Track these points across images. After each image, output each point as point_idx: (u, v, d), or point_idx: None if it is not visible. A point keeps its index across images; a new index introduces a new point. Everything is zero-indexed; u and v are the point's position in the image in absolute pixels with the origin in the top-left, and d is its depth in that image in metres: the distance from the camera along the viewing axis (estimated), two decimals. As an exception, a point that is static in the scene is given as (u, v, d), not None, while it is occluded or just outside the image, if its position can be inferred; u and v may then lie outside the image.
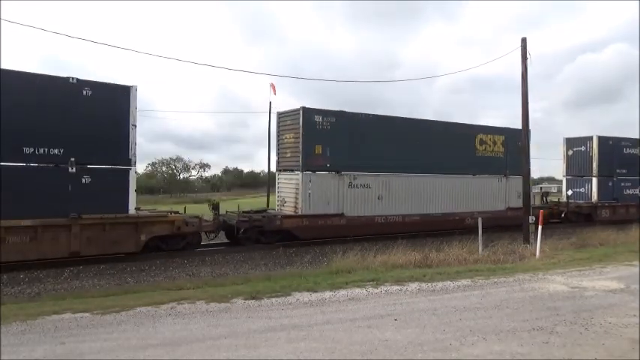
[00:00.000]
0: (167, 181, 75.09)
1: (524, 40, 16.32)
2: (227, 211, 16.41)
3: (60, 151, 11.93)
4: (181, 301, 7.56)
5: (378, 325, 6.18)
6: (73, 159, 12.03)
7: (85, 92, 12.20)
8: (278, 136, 17.44)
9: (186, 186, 76.53)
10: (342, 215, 16.53)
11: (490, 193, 20.70)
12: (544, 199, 24.48)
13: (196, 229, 14.59)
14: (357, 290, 8.41)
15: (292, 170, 16.54)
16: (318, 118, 16.06)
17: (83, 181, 12.20)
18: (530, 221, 15.45)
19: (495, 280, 9.44)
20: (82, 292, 9.55)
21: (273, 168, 19.90)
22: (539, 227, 13.23)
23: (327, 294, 8.10)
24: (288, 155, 16.73)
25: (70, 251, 12.07)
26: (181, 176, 77.77)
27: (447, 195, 19.24)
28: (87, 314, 6.82)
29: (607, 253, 13.29)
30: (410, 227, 18.01)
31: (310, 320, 6.48)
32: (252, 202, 33.90)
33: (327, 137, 16.19)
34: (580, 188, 24.81)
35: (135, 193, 13.14)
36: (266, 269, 12.77)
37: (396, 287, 8.64)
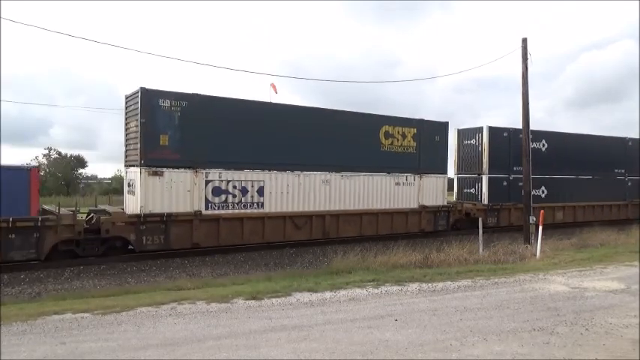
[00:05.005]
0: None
1: (524, 41, 16.32)
2: None
3: (623, 171, 23.97)
4: (182, 302, 7.56)
5: (379, 326, 6.18)
6: (626, 173, 24.07)
7: (630, 143, 24.63)
8: None
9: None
10: None
11: None
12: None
13: None
14: (358, 290, 8.41)
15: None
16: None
17: (629, 183, 24.23)
18: (531, 221, 15.44)
19: (496, 280, 9.44)
20: (83, 293, 9.55)
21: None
22: (540, 227, 13.23)
23: (328, 294, 8.10)
24: None
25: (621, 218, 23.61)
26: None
27: None
28: (87, 314, 6.82)
29: (607, 253, 13.30)
30: None
31: (311, 320, 6.48)
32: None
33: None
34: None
35: None
36: (266, 269, 12.77)
37: (396, 287, 8.65)
